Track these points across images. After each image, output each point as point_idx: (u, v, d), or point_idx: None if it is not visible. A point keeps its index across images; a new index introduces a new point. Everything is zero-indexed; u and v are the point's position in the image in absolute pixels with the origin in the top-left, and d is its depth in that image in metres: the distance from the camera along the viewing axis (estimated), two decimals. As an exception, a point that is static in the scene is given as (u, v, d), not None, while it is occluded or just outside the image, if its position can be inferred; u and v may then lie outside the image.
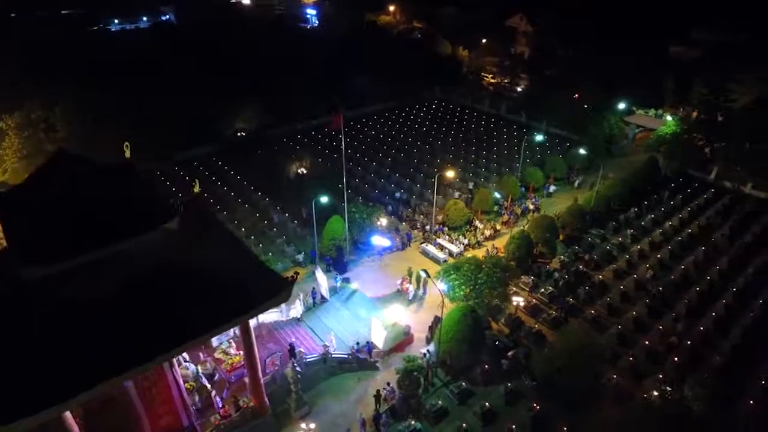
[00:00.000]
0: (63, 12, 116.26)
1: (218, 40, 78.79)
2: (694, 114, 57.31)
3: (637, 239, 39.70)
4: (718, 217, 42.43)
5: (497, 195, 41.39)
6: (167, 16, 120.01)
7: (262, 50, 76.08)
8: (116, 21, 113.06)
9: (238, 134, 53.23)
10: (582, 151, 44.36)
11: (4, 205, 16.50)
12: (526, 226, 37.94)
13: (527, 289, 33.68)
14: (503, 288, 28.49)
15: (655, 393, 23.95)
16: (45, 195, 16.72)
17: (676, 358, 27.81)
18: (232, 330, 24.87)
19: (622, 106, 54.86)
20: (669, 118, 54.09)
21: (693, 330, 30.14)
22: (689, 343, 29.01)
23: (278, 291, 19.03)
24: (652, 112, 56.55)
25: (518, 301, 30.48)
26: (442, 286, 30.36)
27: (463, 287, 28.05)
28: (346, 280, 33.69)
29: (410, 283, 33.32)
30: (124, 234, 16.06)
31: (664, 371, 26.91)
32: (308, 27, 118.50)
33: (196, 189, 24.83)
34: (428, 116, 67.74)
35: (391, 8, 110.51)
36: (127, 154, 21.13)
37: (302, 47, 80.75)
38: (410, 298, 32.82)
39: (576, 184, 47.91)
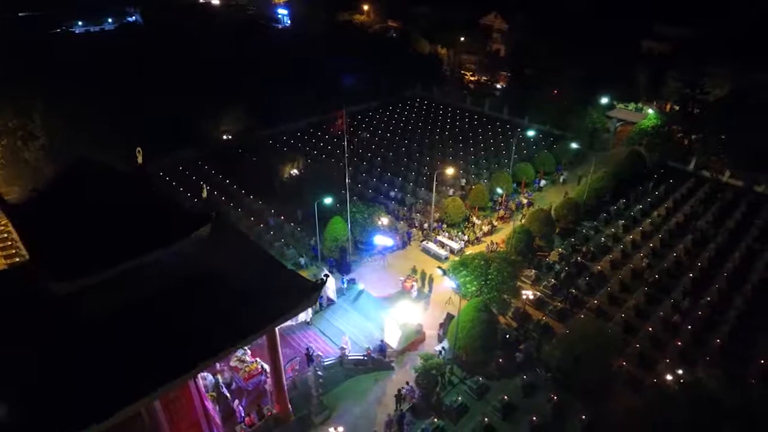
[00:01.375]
0: (20, 14, 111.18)
1: (190, 41, 77.03)
2: (668, 107, 59.50)
3: (628, 229, 40.93)
4: (701, 206, 44.14)
5: (499, 190, 41.83)
6: (133, 18, 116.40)
7: (238, 51, 74.83)
8: (80, 23, 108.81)
9: (224, 137, 52.11)
10: (574, 145, 45.35)
11: (26, 217, 15.66)
12: (524, 221, 38.55)
13: (530, 282, 34.20)
14: (513, 282, 28.87)
15: (669, 377, 24.69)
16: (71, 205, 15.96)
17: (679, 342, 28.85)
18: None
19: (604, 100, 56.37)
20: (651, 111, 55.97)
21: (692, 315, 31.27)
22: (690, 327, 30.11)
23: (307, 294, 18.73)
24: (632, 105, 58.38)
25: (527, 294, 30.94)
26: (452, 283, 30.59)
27: (475, 283, 28.24)
28: (352, 281, 33.43)
29: (415, 281, 33.35)
30: (157, 242, 15.45)
31: (671, 356, 27.87)
32: (280, 27, 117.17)
33: (204, 194, 24.22)
34: (412, 115, 67.96)
35: (365, 7, 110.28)
36: (140, 159, 20.45)
37: (279, 48, 79.82)
38: (414, 297, 32.83)
39: (561, 179, 48.81)
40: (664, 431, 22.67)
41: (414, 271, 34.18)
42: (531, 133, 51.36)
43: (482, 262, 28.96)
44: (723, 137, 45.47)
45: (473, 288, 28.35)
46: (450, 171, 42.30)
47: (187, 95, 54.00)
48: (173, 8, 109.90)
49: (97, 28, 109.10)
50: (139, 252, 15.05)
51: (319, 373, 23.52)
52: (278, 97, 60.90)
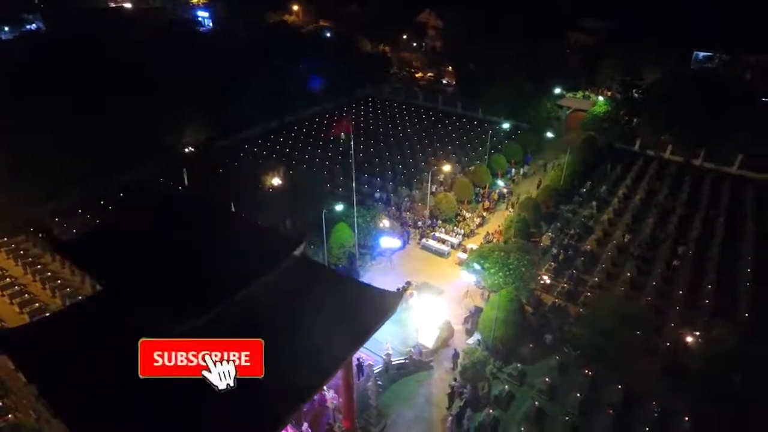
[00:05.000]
0: None
1: (115, 49, 70.82)
2: (607, 93, 64.68)
3: (601, 209, 44.10)
4: (656, 182, 48.62)
5: (500, 183, 43.33)
6: (33, 25, 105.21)
7: (173, 57, 69.99)
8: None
9: (186, 149, 48.94)
10: (549, 135, 47.96)
11: (100, 254, 14.00)
12: (512, 210, 40.27)
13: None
14: (533, 269, 30.17)
15: (689, 339, 27.18)
16: (148, 236, 14.49)
17: (677, 307, 31.77)
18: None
19: (557, 90, 60.05)
20: (600, 98, 60.55)
21: (677, 279, 34.53)
22: (681, 292, 33.23)
23: (391, 304, 18.42)
24: (579, 94, 62.77)
25: (544, 279, 32.45)
26: (470, 278, 31.40)
27: (500, 274, 29.13)
28: (368, 287, 33.03)
29: (415, 290, 33.29)
30: (263, 265, 14.42)
31: (673, 320, 30.61)
32: (201, 30, 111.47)
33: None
34: (369, 114, 68.04)
35: (295, 8, 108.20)
36: (186, 180, 18.98)
37: (216, 53, 75.77)
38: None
39: (522, 172, 51.16)
40: (690, 388, 25.26)
41: (408, 283, 34.41)
42: (506, 125, 53.48)
43: (501, 254, 29.92)
44: (665, 119, 50.26)
45: (498, 280, 29.19)
46: (447, 168, 42.95)
47: (131, 108, 49.95)
48: (81, 14, 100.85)
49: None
50: (251, 277, 13.97)
51: (379, 382, 23.23)
52: (229, 104, 58.13)
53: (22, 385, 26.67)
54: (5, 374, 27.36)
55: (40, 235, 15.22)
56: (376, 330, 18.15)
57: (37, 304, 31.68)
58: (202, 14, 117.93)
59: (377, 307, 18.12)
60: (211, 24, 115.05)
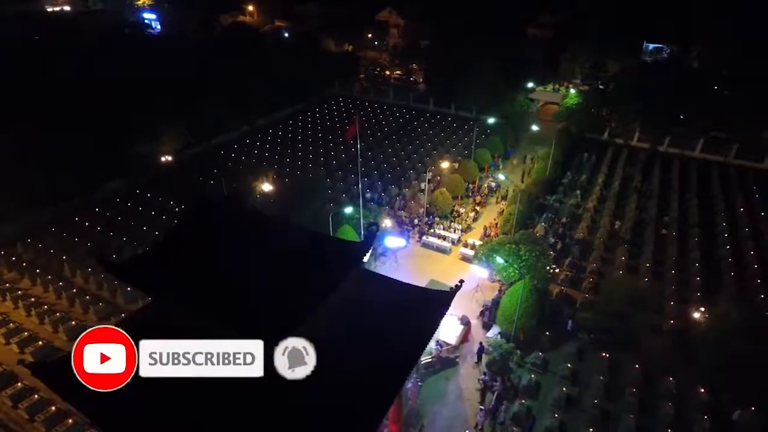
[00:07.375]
0: None
1: (63, 56, 66.10)
2: (570, 86, 67.16)
3: (585, 198, 45.78)
4: (630, 169, 51.01)
5: (501, 177, 43.90)
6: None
7: (122, 63, 65.87)
8: None
9: (162, 158, 46.51)
10: (535, 127, 49.16)
11: (163, 275, 13.10)
12: (507, 202, 41.12)
13: (533, 257, 36.68)
14: (545, 259, 30.91)
15: (696, 315, 28.71)
16: (217, 251, 13.71)
17: (673, 287, 33.50)
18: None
19: (530, 84, 61.70)
20: (572, 91, 62.70)
21: (667, 259, 36.41)
22: (673, 272, 35.06)
23: (445, 303, 18.35)
24: (549, 87, 64.77)
25: (555, 268, 33.28)
26: (481, 272, 31.83)
27: (515, 266, 29.64)
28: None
29: None
30: (340, 271, 13.94)
31: (672, 299, 32.25)
32: (152, 33, 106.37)
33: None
34: (342, 114, 67.30)
35: (250, 8, 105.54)
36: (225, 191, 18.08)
37: (171, 57, 72.25)
38: None
39: (500, 166, 52.27)
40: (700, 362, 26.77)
41: (461, 282, 34.42)
42: (491, 120, 54.28)
43: (512, 246, 30.45)
44: (636, 108, 52.85)
45: (514, 272, 29.69)
46: (445, 165, 43.10)
47: (90, 118, 46.78)
48: (13, 18, 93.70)
49: None
50: (331, 284, 13.44)
51: (419, 383, 23.10)
52: (197, 109, 55.71)
53: (25, 422, 24.71)
54: (3, 414, 25.18)
55: (99, 258, 13.88)
56: (431, 335, 18.05)
57: (26, 333, 29.27)
58: (148, 16, 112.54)
59: (434, 308, 18.01)
60: (159, 27, 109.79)
